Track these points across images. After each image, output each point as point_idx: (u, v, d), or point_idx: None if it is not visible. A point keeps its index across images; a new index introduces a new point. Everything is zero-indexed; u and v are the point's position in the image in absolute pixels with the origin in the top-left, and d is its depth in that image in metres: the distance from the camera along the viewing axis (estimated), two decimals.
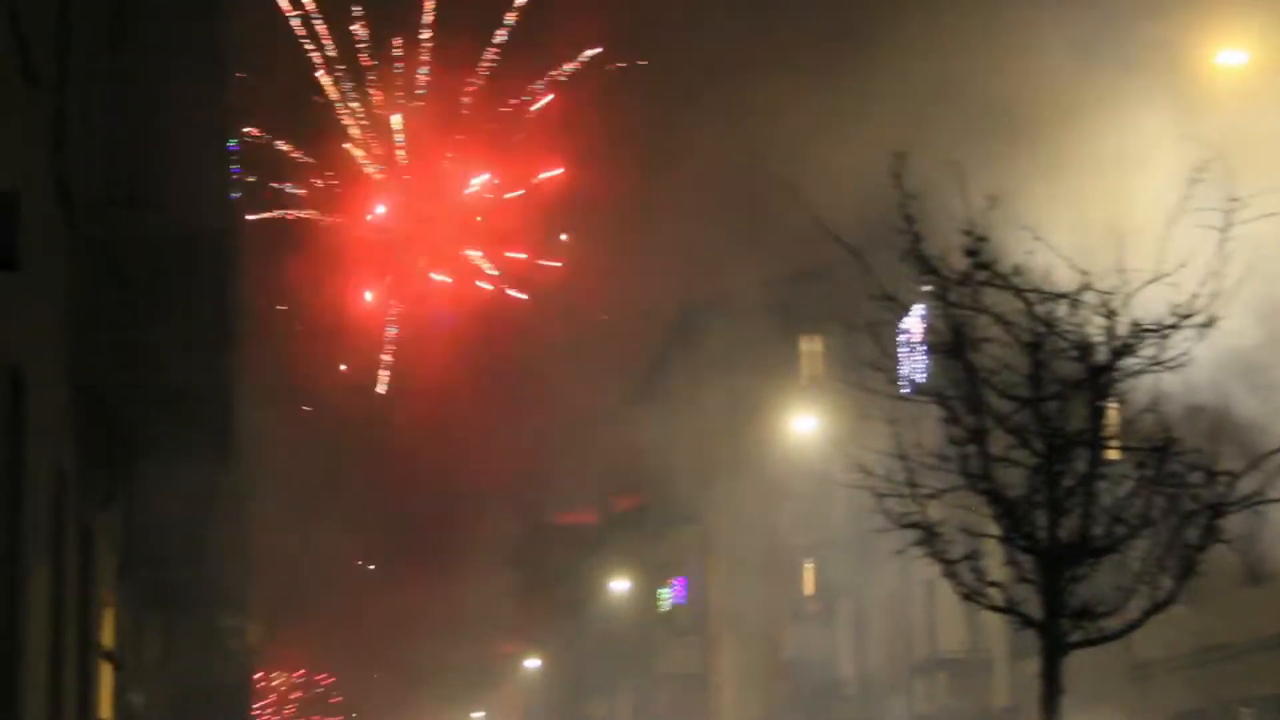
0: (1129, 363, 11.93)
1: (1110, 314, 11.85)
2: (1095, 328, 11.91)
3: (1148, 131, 15.89)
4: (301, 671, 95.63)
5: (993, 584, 12.09)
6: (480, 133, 66.03)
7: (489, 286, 68.11)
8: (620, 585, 57.16)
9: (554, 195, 66.83)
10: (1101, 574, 11.99)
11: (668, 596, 54.96)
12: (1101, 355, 11.94)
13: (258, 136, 57.70)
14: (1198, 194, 12.34)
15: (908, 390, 13.44)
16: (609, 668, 59.69)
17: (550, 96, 66.24)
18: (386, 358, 66.51)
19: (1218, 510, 11.86)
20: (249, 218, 33.01)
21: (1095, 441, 11.94)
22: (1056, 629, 11.95)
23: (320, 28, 61.80)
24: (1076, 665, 12.14)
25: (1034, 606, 12.04)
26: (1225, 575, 22.65)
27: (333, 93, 62.23)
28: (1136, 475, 11.90)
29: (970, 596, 12.13)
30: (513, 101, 65.38)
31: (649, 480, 57.10)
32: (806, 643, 44.96)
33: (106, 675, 17.46)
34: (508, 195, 67.25)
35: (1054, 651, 11.99)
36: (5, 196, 9.15)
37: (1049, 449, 11.91)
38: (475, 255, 68.43)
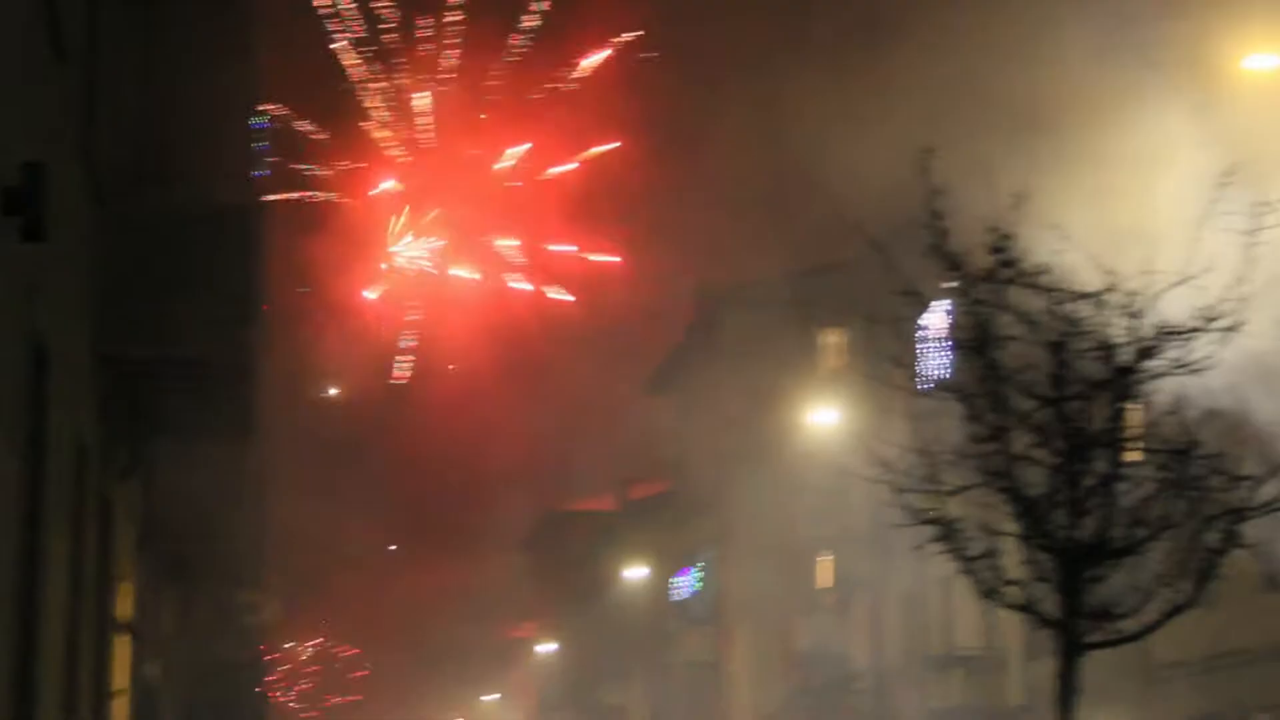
0: (1152, 364, 11.91)
1: (1135, 315, 11.82)
2: (1119, 328, 11.89)
3: (1175, 134, 15.85)
4: (319, 640, 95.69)
5: (1011, 582, 12.08)
6: (517, 104, 62.61)
7: (526, 286, 64.86)
8: (636, 573, 57.19)
9: (609, 172, 62.67)
10: (1120, 575, 11.97)
11: (685, 584, 54.99)
12: (1125, 356, 11.91)
13: (281, 116, 57.26)
14: (1225, 197, 12.30)
15: (929, 386, 13.43)
16: (624, 654, 59.73)
17: (607, 52, 62.93)
18: (408, 342, 65.74)
19: (1239, 515, 11.84)
20: (272, 198, 32.89)
21: (1117, 442, 11.92)
22: (1074, 629, 11.93)
23: (347, 6, 61.38)
24: (1091, 665, 12.12)
25: (1051, 606, 12.02)
26: (1243, 580, 22.59)
27: (358, 74, 61.74)
28: (1158, 477, 11.88)
29: (988, 595, 12.12)
30: (558, 72, 62.03)
31: (668, 469, 57.13)
32: (821, 635, 44.92)
33: (123, 647, 17.52)
34: (552, 171, 63.91)
35: (1071, 652, 11.97)
36: (33, 168, 9.18)
37: (1070, 449, 11.89)
38: (509, 246, 64.66)
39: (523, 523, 71.55)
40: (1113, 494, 11.86)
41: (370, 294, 63.81)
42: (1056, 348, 11.93)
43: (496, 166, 62.86)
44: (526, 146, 62.39)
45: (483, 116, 62.11)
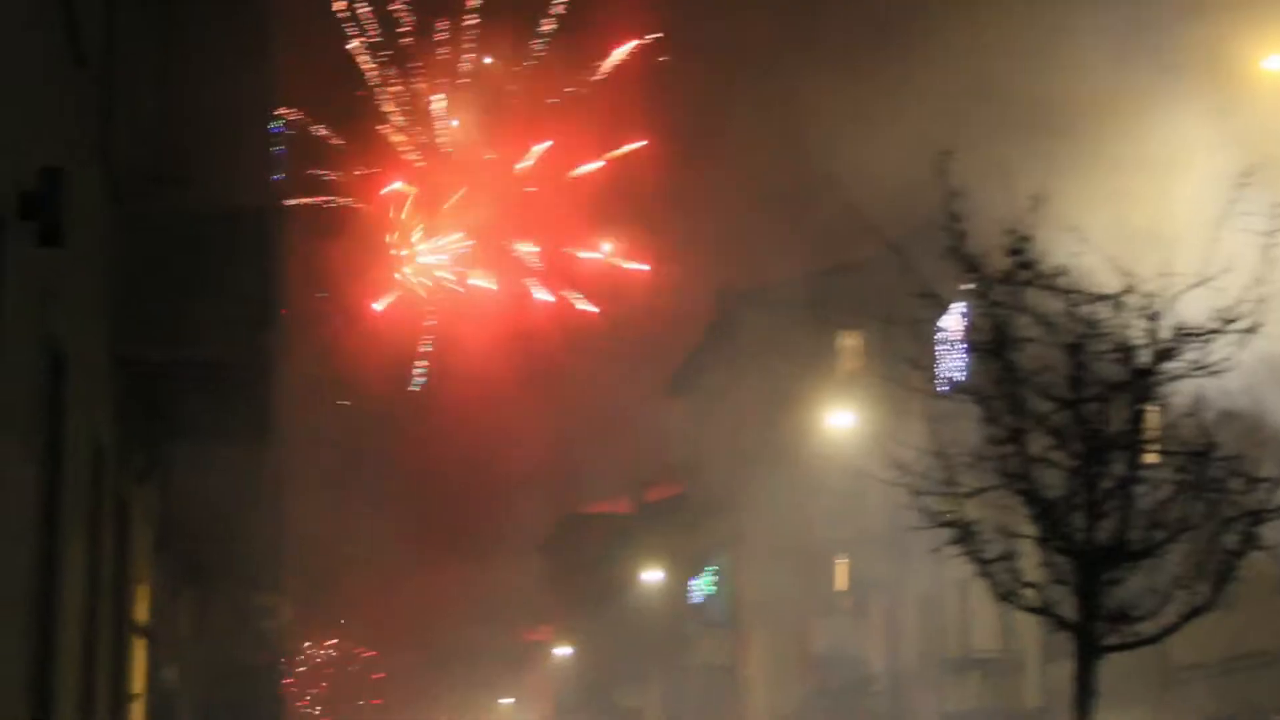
0: (1171, 366, 11.88)
1: (1153, 317, 11.80)
2: (1138, 330, 11.86)
3: (1193, 135, 15.82)
4: (333, 641, 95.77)
5: (1028, 585, 12.06)
6: (535, 107, 62.05)
7: (548, 296, 64.19)
8: (652, 575, 57.16)
9: (629, 175, 61.28)
10: (1138, 578, 11.94)
11: (700, 587, 54.95)
12: (1143, 358, 11.88)
13: (297, 121, 57.19)
14: (1243, 198, 12.27)
15: (946, 388, 13.41)
16: (640, 657, 59.71)
17: (633, 43, 61.33)
18: (425, 347, 65.60)
19: (1257, 516, 11.81)
20: (289, 202, 32.87)
21: (1135, 444, 11.89)
22: (1091, 632, 11.90)
23: (363, 9, 61.31)
24: (1108, 668, 12.09)
25: (1069, 608, 11.99)
26: (1261, 582, 22.51)
27: (374, 77, 61.65)
28: (1176, 479, 11.85)
29: (1006, 597, 12.10)
30: (576, 75, 61.48)
31: (684, 471, 57.09)
32: (837, 638, 44.88)
33: (140, 650, 17.53)
34: (575, 172, 63.39)
35: (1088, 654, 11.95)
36: (52, 173, 9.19)
37: (1088, 451, 11.86)
38: (530, 252, 63.89)
39: (539, 525, 71.61)
40: (1131, 496, 11.83)
41: (379, 305, 63.65)
42: (1074, 350, 11.90)
43: (519, 166, 62.61)
44: (547, 144, 62.13)
45: (507, 113, 61.60)
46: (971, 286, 12.20)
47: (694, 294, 55.55)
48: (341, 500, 64.82)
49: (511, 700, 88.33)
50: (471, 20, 62.17)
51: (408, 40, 61.91)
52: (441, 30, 62.14)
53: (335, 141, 61.97)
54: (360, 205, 62.75)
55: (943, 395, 13.11)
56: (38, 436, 10.16)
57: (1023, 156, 13.43)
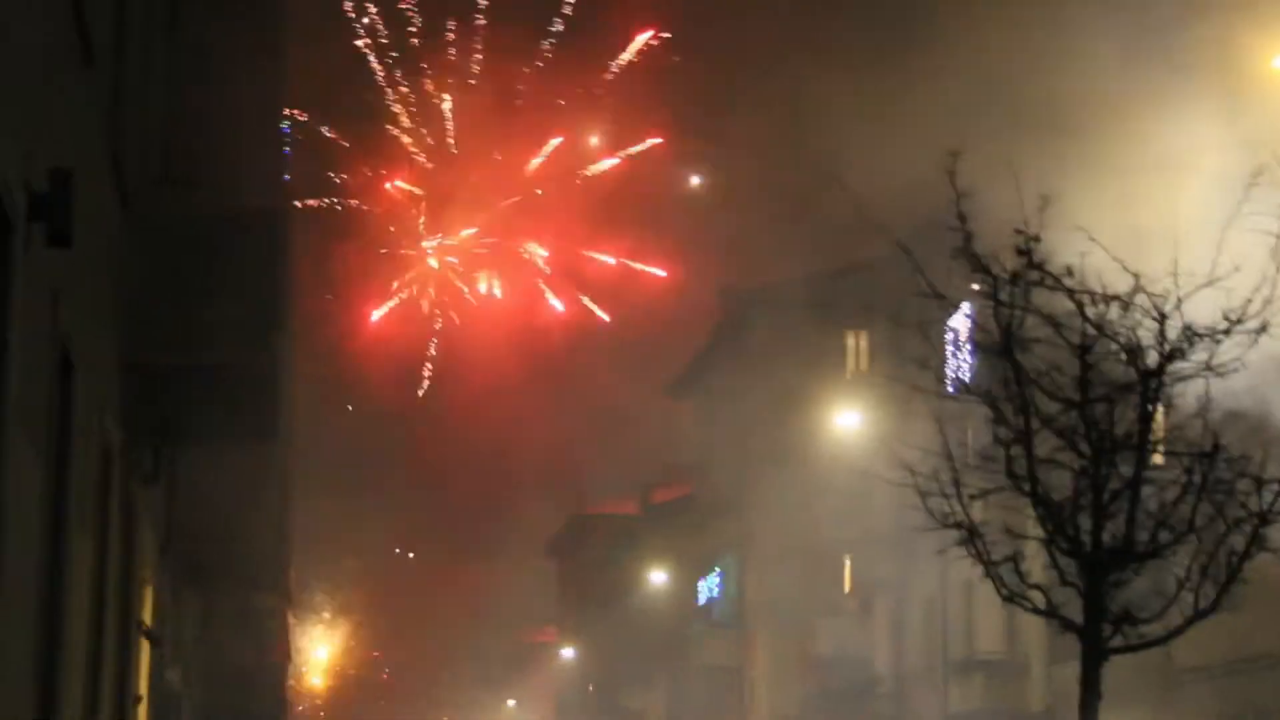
0: (1179, 367, 11.87)
1: (1161, 318, 11.78)
2: (1146, 331, 11.85)
3: (1201, 136, 15.81)
4: (340, 644, 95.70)
5: (1034, 587, 12.05)
6: (544, 107, 61.92)
7: (557, 304, 63.92)
8: (658, 577, 57.14)
9: (636, 176, 61.49)
10: (1143, 579, 11.93)
11: (706, 588, 54.93)
12: (1151, 359, 11.87)
13: (306, 122, 57.16)
14: (1252, 198, 12.26)
15: (954, 389, 13.40)
16: (645, 659, 59.69)
17: (649, 33, 61.69)
18: (432, 350, 65.60)
19: (1264, 518, 11.80)
20: (298, 204, 32.89)
21: (1142, 446, 11.88)
22: (1097, 634, 11.89)
23: (372, 12, 61.32)
24: (1112, 669, 12.08)
25: (1075, 610, 11.98)
26: (1267, 584, 22.48)
27: (382, 79, 61.63)
28: (1183, 481, 11.83)
29: (1011, 598, 12.10)
30: (585, 75, 61.36)
31: (690, 472, 57.07)
32: (843, 639, 44.88)
33: (145, 652, 17.53)
34: (591, 169, 63.06)
35: (1094, 656, 11.94)
36: (60, 174, 9.18)
37: (1095, 452, 11.85)
38: (539, 255, 64.14)
39: (546, 526, 71.58)
40: (1138, 498, 11.83)
41: (377, 314, 63.62)
42: (1082, 350, 11.90)
43: (534, 163, 62.49)
44: (558, 141, 62.10)
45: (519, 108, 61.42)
46: (979, 287, 12.19)
47: (701, 294, 55.57)
48: (347, 501, 64.80)
49: (514, 702, 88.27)
50: (480, 21, 62.17)
51: (415, 41, 61.92)
52: (449, 30, 62.19)
53: (343, 143, 62.00)
54: (368, 207, 62.74)
55: (950, 396, 13.10)
56: (45, 437, 10.15)
57: (1031, 157, 13.41)
